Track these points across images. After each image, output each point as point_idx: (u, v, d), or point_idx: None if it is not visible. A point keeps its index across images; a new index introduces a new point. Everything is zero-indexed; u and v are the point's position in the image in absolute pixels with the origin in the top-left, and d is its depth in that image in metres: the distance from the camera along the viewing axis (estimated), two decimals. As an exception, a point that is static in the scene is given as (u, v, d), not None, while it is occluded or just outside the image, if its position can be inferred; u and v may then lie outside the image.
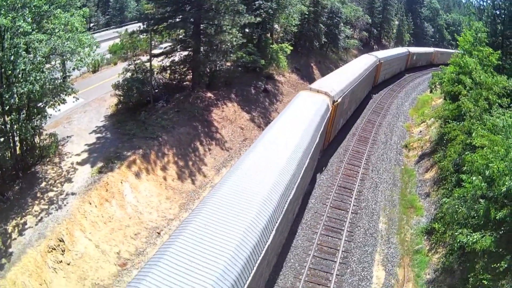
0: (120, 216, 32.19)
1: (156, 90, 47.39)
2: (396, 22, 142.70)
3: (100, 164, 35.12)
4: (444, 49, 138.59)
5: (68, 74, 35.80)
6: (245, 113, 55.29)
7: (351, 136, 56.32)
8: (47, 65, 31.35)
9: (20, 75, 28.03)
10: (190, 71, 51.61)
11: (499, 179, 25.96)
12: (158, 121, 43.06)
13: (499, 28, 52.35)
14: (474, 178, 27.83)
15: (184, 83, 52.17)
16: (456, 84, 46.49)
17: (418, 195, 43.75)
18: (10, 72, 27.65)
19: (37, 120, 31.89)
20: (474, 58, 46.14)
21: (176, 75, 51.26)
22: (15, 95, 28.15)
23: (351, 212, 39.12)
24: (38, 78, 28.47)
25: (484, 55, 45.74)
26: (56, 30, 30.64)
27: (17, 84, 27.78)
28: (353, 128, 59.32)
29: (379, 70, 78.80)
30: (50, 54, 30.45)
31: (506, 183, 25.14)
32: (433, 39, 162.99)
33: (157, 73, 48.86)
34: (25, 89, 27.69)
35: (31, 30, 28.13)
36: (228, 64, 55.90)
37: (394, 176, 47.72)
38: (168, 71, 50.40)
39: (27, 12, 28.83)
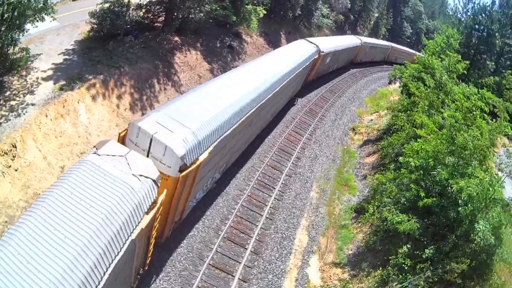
0: (71, 133, 34.23)
1: (128, 26, 48.86)
2: (376, 14, 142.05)
3: (62, 82, 36.73)
4: (380, 41, 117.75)
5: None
6: (206, 63, 57.55)
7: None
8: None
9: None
10: (164, 13, 53.32)
11: (431, 166, 28.44)
12: (124, 53, 44.99)
13: (473, 41, 54.83)
14: (410, 160, 29.73)
15: (156, 24, 53.97)
16: (416, 80, 47.48)
17: (355, 176, 45.49)
18: None
19: (15, 33, 33.19)
20: (442, 62, 47.37)
21: (150, 14, 52.84)
22: (5, 4, 29.69)
23: (286, 175, 41.22)
24: None
25: (452, 61, 46.79)
26: None
27: None
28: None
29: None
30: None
31: (437, 169, 27.61)
32: (408, 40, 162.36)
33: (133, 9, 50.24)
34: None
35: None
36: (202, 14, 57.99)
37: (335, 153, 49.87)
38: (143, 10, 51.86)
39: None
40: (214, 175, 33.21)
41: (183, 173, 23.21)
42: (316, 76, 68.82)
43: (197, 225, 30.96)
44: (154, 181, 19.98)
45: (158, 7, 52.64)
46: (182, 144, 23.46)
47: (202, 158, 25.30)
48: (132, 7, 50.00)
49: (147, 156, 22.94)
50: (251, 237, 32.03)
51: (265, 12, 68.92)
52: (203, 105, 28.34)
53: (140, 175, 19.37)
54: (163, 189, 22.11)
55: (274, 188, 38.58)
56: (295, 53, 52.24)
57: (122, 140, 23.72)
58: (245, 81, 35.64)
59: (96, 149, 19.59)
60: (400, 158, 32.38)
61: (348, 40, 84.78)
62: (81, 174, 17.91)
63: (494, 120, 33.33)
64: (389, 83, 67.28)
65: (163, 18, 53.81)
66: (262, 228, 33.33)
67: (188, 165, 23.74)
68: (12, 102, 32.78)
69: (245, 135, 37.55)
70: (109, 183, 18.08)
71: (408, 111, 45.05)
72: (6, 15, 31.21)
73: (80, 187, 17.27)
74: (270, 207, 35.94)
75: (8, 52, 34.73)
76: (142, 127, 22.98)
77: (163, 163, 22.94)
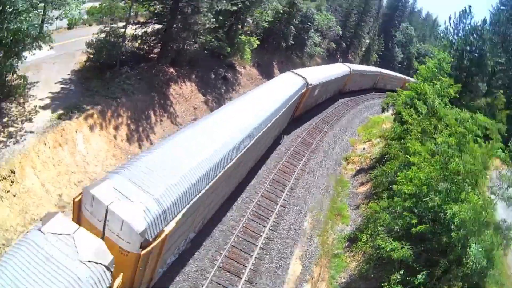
0: (69, 162, 34.40)
1: (124, 56, 49.31)
2: (367, 41, 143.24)
3: (60, 111, 37.03)
4: (369, 68, 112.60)
5: (50, 22, 37.79)
6: (201, 94, 58.20)
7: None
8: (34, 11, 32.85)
9: (12, 14, 29.80)
10: (159, 44, 53.78)
11: (424, 193, 28.24)
12: (121, 84, 45.37)
13: (465, 63, 55.09)
14: (403, 187, 29.69)
15: (151, 55, 54.41)
16: (408, 107, 47.15)
17: (348, 205, 45.10)
18: (7, 6, 29.41)
19: (13, 60, 33.50)
20: (433, 87, 46.81)
21: (146, 46, 53.37)
22: (4, 30, 30.02)
23: (280, 205, 41.13)
24: (27, 18, 30.57)
25: (444, 85, 46.45)
26: None
27: (7, 21, 29.63)
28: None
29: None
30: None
31: (430, 195, 27.58)
32: (400, 65, 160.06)
33: (128, 40, 50.84)
34: (15, 26, 29.74)
35: None
36: (196, 46, 58.55)
37: (329, 184, 49.46)
38: (139, 41, 52.43)
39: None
40: (188, 236, 29.75)
41: (145, 251, 20.23)
42: (304, 110, 64.68)
43: (194, 255, 30.94)
44: (106, 267, 17.41)
45: (153, 38, 53.07)
46: (142, 216, 20.42)
47: (168, 229, 22.08)
48: (128, 38, 50.54)
49: (103, 228, 20.52)
50: (246, 266, 32.05)
51: (258, 43, 69.85)
52: (171, 162, 25.03)
53: (89, 261, 16.83)
54: (122, 267, 19.51)
55: (269, 219, 38.56)
56: (280, 89, 48.75)
57: (78, 206, 21.39)
58: (221, 129, 32.28)
59: (42, 224, 17.27)
60: (394, 186, 32.32)
61: (337, 69, 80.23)
62: (21, 258, 15.62)
63: (487, 142, 33.29)
64: (382, 111, 67.47)
65: (159, 50, 54.25)
66: (256, 258, 33.39)
67: (151, 240, 20.71)
68: (11, 129, 33.01)
69: (223, 190, 33.80)
70: (52, 271, 15.71)
71: (402, 139, 44.70)
72: (4, 41, 31.64)
73: (18, 277, 15.10)
74: (264, 237, 36.00)
75: (7, 78, 35.17)
76: (96, 195, 20.13)
77: (121, 238, 20.19)
